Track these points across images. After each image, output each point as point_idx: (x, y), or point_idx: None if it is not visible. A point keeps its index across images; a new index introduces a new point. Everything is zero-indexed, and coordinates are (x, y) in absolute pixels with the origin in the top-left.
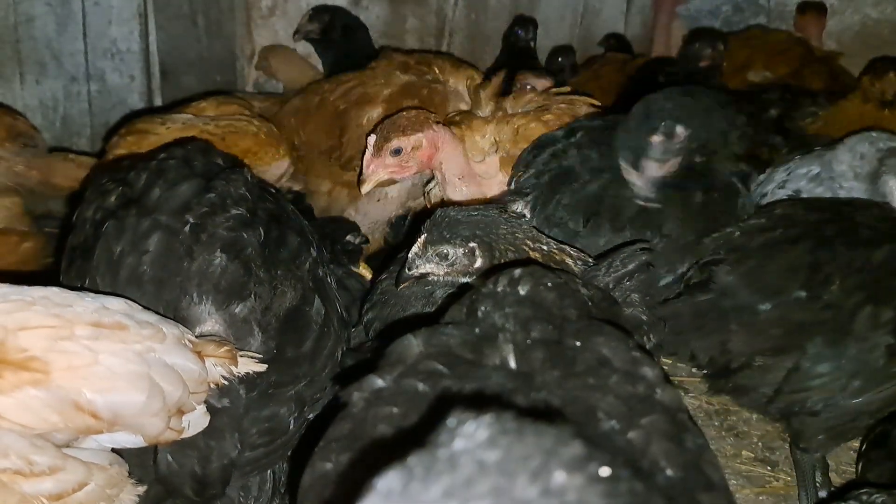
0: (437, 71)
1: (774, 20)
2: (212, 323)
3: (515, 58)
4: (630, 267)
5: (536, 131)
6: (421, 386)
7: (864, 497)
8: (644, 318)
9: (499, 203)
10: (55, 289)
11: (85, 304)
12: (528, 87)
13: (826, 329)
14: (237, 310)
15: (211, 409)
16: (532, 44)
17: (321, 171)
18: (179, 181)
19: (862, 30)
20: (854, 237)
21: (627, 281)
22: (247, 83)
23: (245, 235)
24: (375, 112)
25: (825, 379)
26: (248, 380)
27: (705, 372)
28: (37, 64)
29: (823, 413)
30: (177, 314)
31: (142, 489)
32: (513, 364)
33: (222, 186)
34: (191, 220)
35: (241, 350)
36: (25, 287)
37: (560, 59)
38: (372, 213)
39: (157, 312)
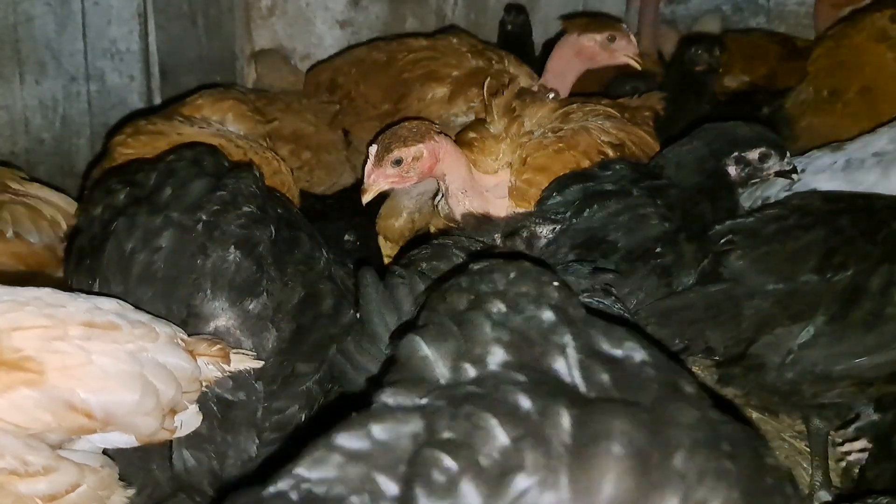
0: (506, 62)
1: (774, 20)
2: (225, 319)
3: (509, 45)
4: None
5: (546, 160)
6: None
7: (870, 501)
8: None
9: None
10: (47, 289)
11: (77, 305)
12: (551, 95)
13: (841, 292)
14: (251, 306)
15: (226, 402)
16: (521, 29)
17: (370, 133)
18: (190, 179)
19: None
20: (870, 223)
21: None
22: (246, 83)
23: (257, 232)
24: (441, 91)
25: (838, 336)
26: (267, 370)
27: (717, 359)
28: (36, 64)
29: (836, 374)
30: (190, 311)
31: (131, 492)
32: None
33: (233, 184)
34: (203, 217)
35: (244, 348)
36: (17, 288)
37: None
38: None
39: (169, 309)
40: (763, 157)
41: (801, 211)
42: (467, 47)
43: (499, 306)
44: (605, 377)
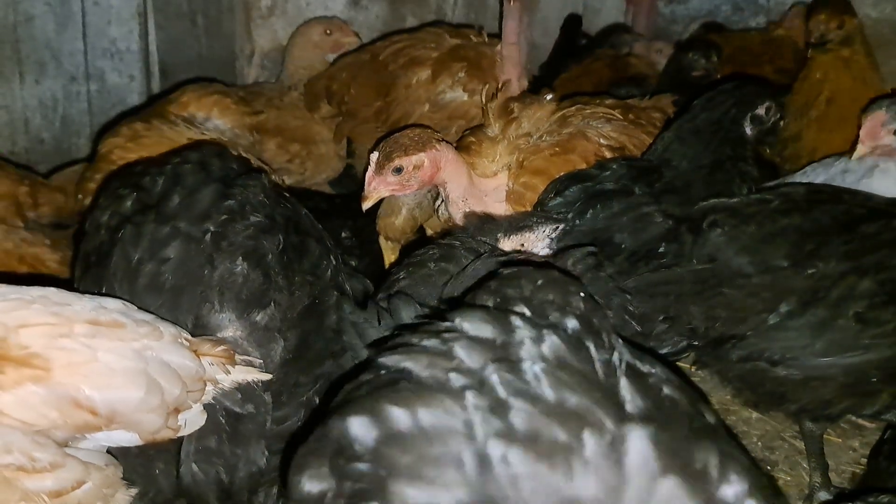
0: (485, 37)
1: (774, 19)
2: (232, 330)
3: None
4: (579, 269)
5: (542, 164)
6: None
7: (871, 500)
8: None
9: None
10: (53, 289)
11: (83, 303)
12: (549, 97)
13: (804, 291)
14: (258, 318)
15: (235, 415)
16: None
17: (369, 136)
18: (198, 187)
19: None
20: (846, 217)
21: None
22: (246, 83)
23: (265, 243)
24: (424, 73)
25: (789, 334)
26: (274, 381)
27: (696, 343)
28: (36, 63)
29: (782, 366)
30: (197, 322)
31: (134, 491)
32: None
33: (241, 193)
34: (211, 227)
35: (263, 357)
36: (24, 287)
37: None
38: None
39: (175, 320)
40: (768, 110)
41: (785, 197)
42: (444, 30)
43: (523, 310)
44: (624, 389)
